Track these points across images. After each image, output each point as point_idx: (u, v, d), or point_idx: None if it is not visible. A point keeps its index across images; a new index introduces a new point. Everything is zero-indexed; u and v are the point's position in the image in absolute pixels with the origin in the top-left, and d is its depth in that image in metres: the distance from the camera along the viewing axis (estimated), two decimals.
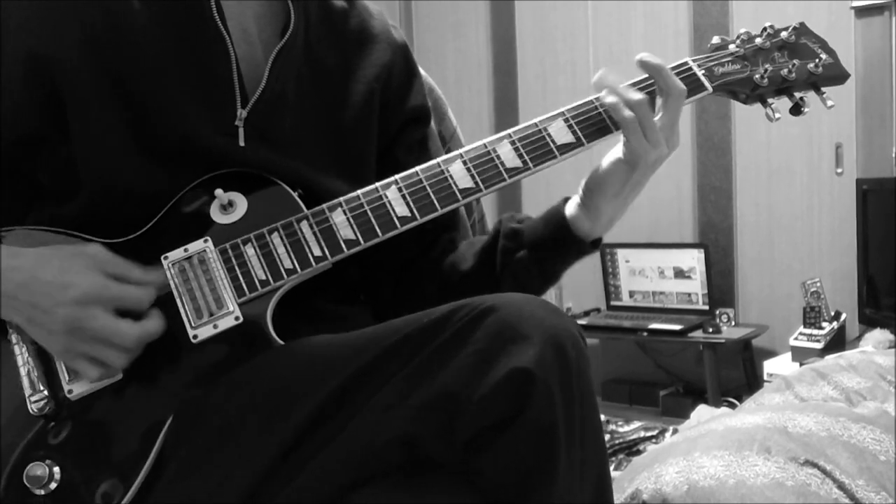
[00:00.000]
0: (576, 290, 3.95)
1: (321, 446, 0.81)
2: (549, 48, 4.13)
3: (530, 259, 1.04)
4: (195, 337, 0.89)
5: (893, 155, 3.24)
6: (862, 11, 3.26)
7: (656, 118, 0.99)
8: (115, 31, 0.95)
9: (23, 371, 0.88)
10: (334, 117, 1.05)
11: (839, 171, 3.40)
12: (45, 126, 0.95)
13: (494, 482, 0.80)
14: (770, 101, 1.10)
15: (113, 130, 0.94)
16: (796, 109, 1.10)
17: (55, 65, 0.93)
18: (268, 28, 1.03)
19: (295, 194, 0.97)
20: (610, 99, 0.99)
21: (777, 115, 1.09)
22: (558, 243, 1.04)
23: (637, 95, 0.98)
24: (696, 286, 3.70)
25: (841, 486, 1.22)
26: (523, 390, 0.76)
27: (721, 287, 3.73)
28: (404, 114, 1.12)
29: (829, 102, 1.09)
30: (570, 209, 1.04)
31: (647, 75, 1.02)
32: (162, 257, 0.92)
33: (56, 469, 0.85)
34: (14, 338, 0.89)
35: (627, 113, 0.97)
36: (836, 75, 1.10)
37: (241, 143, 0.98)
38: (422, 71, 1.19)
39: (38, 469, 0.84)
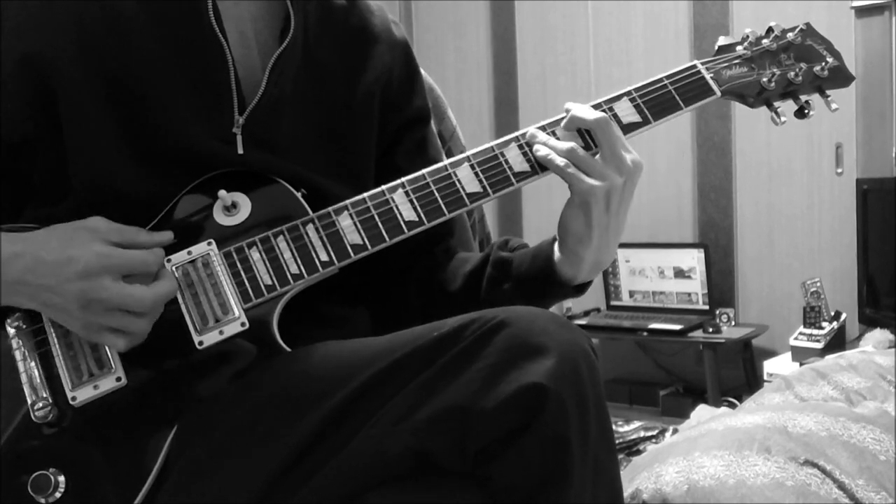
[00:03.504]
0: None
1: (328, 457, 0.81)
2: (549, 48, 4.13)
3: (514, 293, 1.01)
4: (200, 343, 0.88)
5: (893, 155, 3.24)
6: (862, 11, 3.26)
7: (595, 153, 0.96)
8: (112, 32, 0.93)
9: (24, 378, 0.87)
10: (334, 120, 1.03)
11: (839, 170, 3.40)
12: (41, 127, 0.93)
13: (506, 488, 0.80)
14: (776, 104, 1.09)
15: (105, 132, 0.93)
16: (801, 113, 1.09)
17: (50, 66, 0.92)
18: (265, 30, 1.01)
19: (298, 194, 0.96)
20: (541, 152, 0.97)
21: (783, 119, 1.08)
22: (542, 283, 1.01)
23: (564, 145, 0.96)
24: (696, 286, 3.70)
25: (841, 486, 1.22)
26: (536, 404, 0.77)
27: (721, 287, 3.73)
28: (405, 115, 1.10)
29: (834, 105, 1.08)
30: (556, 251, 1.00)
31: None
32: (165, 260, 0.90)
33: (61, 478, 0.84)
34: (15, 343, 0.88)
35: (559, 160, 0.95)
36: (842, 78, 1.09)
37: (240, 151, 0.96)
38: (422, 70, 1.17)
39: (42, 478, 0.83)
